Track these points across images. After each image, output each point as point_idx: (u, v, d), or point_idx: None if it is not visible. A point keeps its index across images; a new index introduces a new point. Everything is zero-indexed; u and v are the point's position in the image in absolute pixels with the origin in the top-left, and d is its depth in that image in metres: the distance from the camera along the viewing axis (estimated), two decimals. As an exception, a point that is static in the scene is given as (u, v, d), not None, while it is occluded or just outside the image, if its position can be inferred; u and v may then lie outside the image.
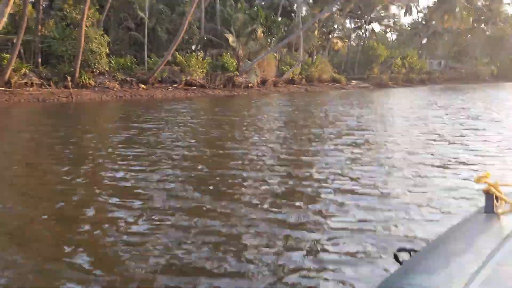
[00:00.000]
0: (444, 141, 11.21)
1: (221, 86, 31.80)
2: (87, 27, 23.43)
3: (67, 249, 4.43)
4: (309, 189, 6.72)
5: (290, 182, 7.13)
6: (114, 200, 6.02)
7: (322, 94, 33.55)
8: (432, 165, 8.25)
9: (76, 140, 11.25)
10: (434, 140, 11.31)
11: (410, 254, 1.69)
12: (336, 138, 11.78)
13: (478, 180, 1.84)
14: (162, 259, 4.16)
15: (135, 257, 4.20)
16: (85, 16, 21.83)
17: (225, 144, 10.72)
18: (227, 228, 5.00)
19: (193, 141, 11.54)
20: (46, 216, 5.40)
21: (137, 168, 7.91)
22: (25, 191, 6.65)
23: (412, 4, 66.33)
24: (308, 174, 7.75)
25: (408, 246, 1.81)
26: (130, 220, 5.22)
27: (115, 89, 25.20)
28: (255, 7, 36.18)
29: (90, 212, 5.54)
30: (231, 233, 4.84)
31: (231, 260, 4.18)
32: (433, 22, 55.05)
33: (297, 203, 6.01)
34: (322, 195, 6.40)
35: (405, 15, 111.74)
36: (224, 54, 31.73)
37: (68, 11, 23.97)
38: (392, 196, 6.35)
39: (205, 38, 33.49)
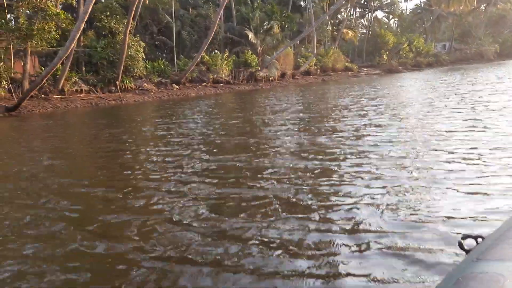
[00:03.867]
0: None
1: (245, 81, 33.87)
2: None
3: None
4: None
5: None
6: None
7: (343, 82, 35.47)
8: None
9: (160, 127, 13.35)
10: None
11: (476, 241, 1.62)
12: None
13: None
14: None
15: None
16: (129, 26, 23.82)
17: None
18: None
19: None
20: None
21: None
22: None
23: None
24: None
25: (474, 232, 1.72)
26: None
27: (153, 91, 27.28)
28: (270, 5, 38.01)
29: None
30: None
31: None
32: (437, 6, 56.63)
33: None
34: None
35: (405, 1, 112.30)
36: (246, 51, 33.71)
37: (106, 21, 25.95)
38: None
39: (226, 37, 35.50)
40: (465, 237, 1.67)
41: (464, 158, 7.40)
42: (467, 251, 1.59)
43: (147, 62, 28.45)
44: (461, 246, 1.65)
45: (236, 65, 33.42)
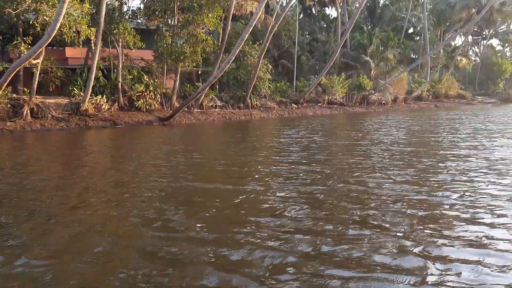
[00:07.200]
0: None
1: (357, 103, 34.97)
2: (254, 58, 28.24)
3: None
4: None
5: None
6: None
7: (458, 109, 34.86)
8: None
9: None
10: None
11: None
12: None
13: None
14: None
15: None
16: (264, 51, 26.51)
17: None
18: None
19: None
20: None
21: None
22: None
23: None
24: None
25: None
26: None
27: (275, 109, 29.62)
28: (386, 32, 38.92)
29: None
30: None
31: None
32: None
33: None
34: None
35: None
36: (360, 75, 34.93)
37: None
38: None
39: (341, 62, 37.10)
40: None
41: None
42: None
43: (270, 82, 30.99)
44: None
45: (350, 88, 34.70)
